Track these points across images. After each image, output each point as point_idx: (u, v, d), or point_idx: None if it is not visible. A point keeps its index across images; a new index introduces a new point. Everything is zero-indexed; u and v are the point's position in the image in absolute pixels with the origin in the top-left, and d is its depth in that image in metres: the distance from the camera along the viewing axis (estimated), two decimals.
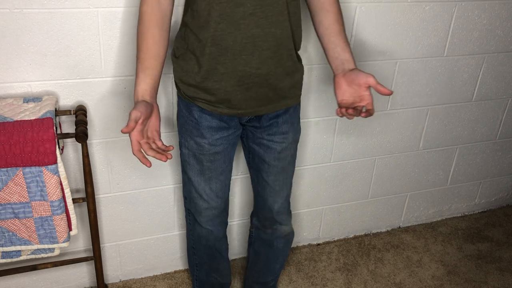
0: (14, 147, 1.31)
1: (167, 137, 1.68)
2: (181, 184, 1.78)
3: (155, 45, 1.26)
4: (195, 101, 1.35)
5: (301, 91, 1.45)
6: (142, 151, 1.20)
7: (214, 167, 1.45)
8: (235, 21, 1.20)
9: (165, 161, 1.21)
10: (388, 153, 2.05)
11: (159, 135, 1.25)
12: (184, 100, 1.39)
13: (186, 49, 1.31)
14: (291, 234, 1.67)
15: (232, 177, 1.71)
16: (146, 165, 1.19)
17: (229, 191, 1.55)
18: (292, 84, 1.38)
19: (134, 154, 1.20)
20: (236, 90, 1.30)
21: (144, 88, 1.25)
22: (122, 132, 1.12)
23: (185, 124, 1.42)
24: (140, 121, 1.17)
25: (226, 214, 1.60)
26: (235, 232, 1.97)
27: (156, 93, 1.29)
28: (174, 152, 1.71)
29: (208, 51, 1.25)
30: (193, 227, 1.60)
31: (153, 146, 1.22)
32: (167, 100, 1.61)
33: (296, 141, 1.51)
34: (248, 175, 1.85)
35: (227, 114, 1.35)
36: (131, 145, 1.19)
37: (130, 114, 1.16)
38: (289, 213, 1.64)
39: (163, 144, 1.24)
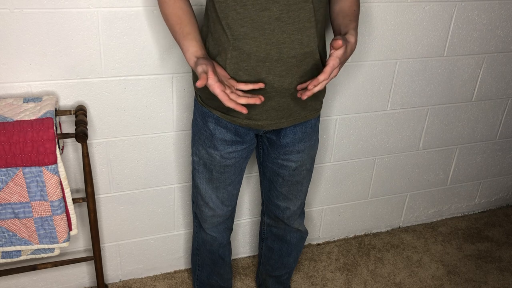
0: (14, 147, 1.31)
1: (184, 135, 1.68)
2: (182, 184, 1.78)
3: (186, 15, 1.23)
4: (212, 110, 1.32)
5: (322, 104, 1.41)
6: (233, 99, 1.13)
7: (223, 178, 1.43)
8: (259, 26, 1.15)
9: (259, 103, 1.13)
10: (388, 153, 2.05)
11: (235, 81, 1.20)
12: (201, 108, 1.36)
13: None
14: (304, 231, 1.67)
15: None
16: (243, 112, 1.11)
17: (236, 199, 1.54)
18: (315, 96, 1.33)
19: (228, 105, 1.11)
20: None
21: (194, 50, 1.20)
22: (197, 85, 1.07)
23: (198, 133, 1.40)
24: (211, 72, 1.11)
25: (232, 221, 1.60)
26: (240, 231, 1.97)
27: (206, 52, 1.24)
28: (175, 154, 1.71)
29: (229, 56, 1.20)
30: (199, 231, 1.60)
31: (239, 93, 1.15)
32: (187, 98, 1.61)
33: (312, 157, 1.48)
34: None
35: (246, 125, 1.31)
36: (220, 98, 1.11)
37: (197, 70, 1.13)
38: (302, 216, 1.63)
39: (246, 84, 1.18)
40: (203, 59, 1.17)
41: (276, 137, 1.40)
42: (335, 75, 1.16)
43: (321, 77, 1.13)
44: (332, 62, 1.13)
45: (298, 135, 1.39)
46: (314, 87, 1.14)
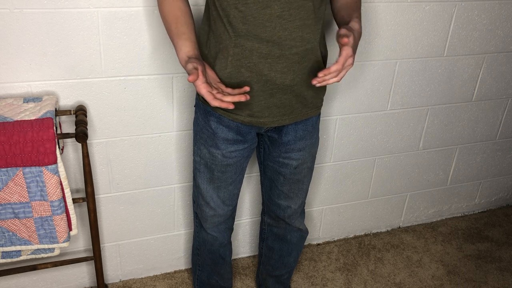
0: (14, 147, 1.31)
1: (184, 135, 1.68)
2: (182, 184, 1.78)
3: (184, 15, 1.24)
4: (214, 109, 1.33)
5: (323, 101, 1.42)
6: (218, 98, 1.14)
7: (224, 177, 1.43)
8: (261, 23, 1.17)
9: (244, 100, 1.14)
10: (388, 153, 2.05)
11: (224, 85, 1.21)
12: (203, 107, 1.36)
13: (208, 54, 1.28)
14: (305, 231, 1.67)
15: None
16: (229, 107, 1.13)
17: (237, 199, 1.55)
18: (316, 93, 1.34)
19: (213, 104, 1.12)
20: (259, 96, 1.26)
21: (187, 50, 1.21)
22: (189, 80, 1.08)
23: (200, 132, 1.40)
24: (200, 70, 1.12)
25: (233, 221, 1.60)
26: (240, 231, 1.97)
27: (199, 53, 1.25)
28: (175, 154, 1.71)
29: (231, 53, 1.21)
30: (199, 231, 1.60)
31: (226, 95, 1.15)
32: (187, 98, 1.62)
33: (313, 155, 1.49)
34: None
35: (248, 123, 1.32)
36: (206, 97, 1.12)
37: (186, 68, 1.14)
38: (302, 215, 1.63)
39: (233, 89, 1.18)
40: (195, 58, 1.18)
41: (278, 135, 1.40)
42: (351, 65, 1.15)
43: (333, 67, 1.12)
44: (345, 52, 1.12)
45: (299, 133, 1.39)
46: (324, 75, 1.13)
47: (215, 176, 1.43)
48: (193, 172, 1.50)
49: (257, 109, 1.28)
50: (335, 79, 1.14)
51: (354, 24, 1.20)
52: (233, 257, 2.02)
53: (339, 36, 1.13)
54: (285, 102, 1.29)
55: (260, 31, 1.17)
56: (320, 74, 1.13)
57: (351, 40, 1.13)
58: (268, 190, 1.57)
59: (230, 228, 1.60)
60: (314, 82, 1.14)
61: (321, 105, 1.41)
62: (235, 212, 1.59)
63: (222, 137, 1.35)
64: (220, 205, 1.49)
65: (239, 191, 1.53)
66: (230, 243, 1.66)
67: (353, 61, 1.16)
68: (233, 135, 1.36)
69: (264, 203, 1.65)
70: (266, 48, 1.19)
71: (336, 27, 1.67)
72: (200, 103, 1.38)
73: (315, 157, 1.51)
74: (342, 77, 1.15)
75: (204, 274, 1.70)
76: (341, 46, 1.13)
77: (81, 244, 1.75)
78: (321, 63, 1.31)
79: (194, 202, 1.57)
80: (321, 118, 1.83)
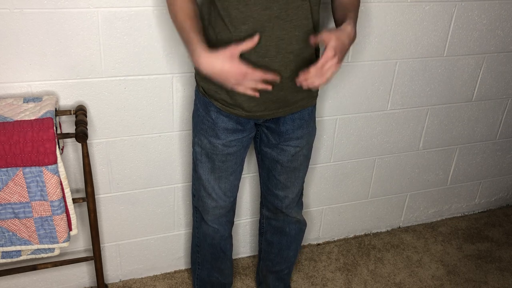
0: (14, 147, 1.31)
1: (184, 135, 1.68)
2: (182, 184, 1.78)
3: (196, 18, 1.24)
4: (214, 101, 1.36)
5: (317, 93, 1.45)
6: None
7: (225, 167, 1.45)
8: (260, 24, 1.20)
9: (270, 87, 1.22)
10: (388, 153, 2.05)
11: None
12: (203, 98, 1.39)
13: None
14: (303, 222, 1.68)
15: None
16: (255, 95, 1.22)
17: (237, 191, 1.56)
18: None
19: (239, 90, 1.21)
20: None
21: (205, 46, 1.21)
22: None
23: (200, 123, 1.42)
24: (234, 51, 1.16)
25: (233, 214, 1.61)
26: (240, 231, 1.97)
27: None
28: (175, 154, 1.71)
29: None
30: (200, 225, 1.61)
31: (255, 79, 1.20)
32: (187, 98, 1.62)
33: (310, 143, 1.52)
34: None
35: (245, 116, 1.35)
36: (233, 85, 1.19)
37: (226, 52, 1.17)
38: (300, 205, 1.65)
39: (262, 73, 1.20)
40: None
41: (275, 125, 1.43)
42: (334, 67, 1.16)
43: (312, 69, 1.16)
44: (325, 53, 1.15)
45: (296, 122, 1.42)
46: (305, 76, 1.17)
47: (216, 166, 1.45)
48: (194, 163, 1.51)
49: (253, 104, 1.32)
50: (319, 81, 1.17)
51: (346, 26, 1.23)
52: (234, 256, 2.02)
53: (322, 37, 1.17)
54: (280, 98, 1.33)
55: (259, 31, 1.20)
56: (301, 76, 1.17)
57: (333, 41, 1.15)
58: (265, 181, 1.58)
59: (230, 222, 1.61)
60: (298, 83, 1.19)
61: (316, 95, 1.45)
62: (235, 205, 1.60)
63: (222, 127, 1.38)
64: (222, 196, 1.50)
65: (239, 183, 1.55)
66: (231, 237, 1.66)
67: (339, 63, 1.18)
68: (233, 125, 1.38)
69: (262, 195, 1.66)
70: (265, 48, 1.22)
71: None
72: (201, 95, 1.40)
73: (312, 146, 1.54)
74: (328, 79, 1.17)
75: (204, 272, 1.70)
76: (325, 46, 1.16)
77: (81, 244, 1.75)
78: (315, 60, 1.32)
79: (194, 196, 1.58)
80: (321, 118, 1.83)
